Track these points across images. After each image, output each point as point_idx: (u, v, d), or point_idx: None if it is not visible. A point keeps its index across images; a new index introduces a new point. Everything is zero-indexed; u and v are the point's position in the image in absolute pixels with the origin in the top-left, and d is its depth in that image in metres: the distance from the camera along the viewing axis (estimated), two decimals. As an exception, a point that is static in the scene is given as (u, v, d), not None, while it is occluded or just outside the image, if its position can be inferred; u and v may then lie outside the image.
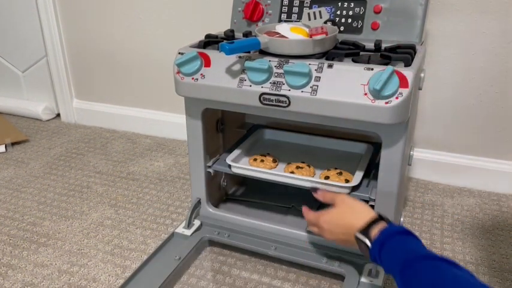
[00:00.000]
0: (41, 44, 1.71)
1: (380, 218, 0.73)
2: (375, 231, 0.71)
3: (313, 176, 0.96)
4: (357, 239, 0.73)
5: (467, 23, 1.15)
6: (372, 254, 0.70)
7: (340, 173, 0.94)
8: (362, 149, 1.07)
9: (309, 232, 0.95)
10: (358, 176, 0.92)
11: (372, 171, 0.97)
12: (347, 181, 0.92)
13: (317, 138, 1.11)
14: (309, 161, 1.01)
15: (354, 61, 0.82)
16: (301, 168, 0.96)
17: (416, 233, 1.09)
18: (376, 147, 1.07)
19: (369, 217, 0.73)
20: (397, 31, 0.94)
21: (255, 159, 1.00)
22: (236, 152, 1.02)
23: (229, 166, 0.98)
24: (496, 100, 1.20)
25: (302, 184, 0.92)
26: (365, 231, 0.72)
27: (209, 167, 1.01)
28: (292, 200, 1.11)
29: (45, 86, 1.79)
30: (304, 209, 0.87)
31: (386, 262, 0.67)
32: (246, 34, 1.00)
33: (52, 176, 1.38)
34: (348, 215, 0.76)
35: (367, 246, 0.71)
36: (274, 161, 1.00)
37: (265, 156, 1.01)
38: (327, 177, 0.93)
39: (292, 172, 0.95)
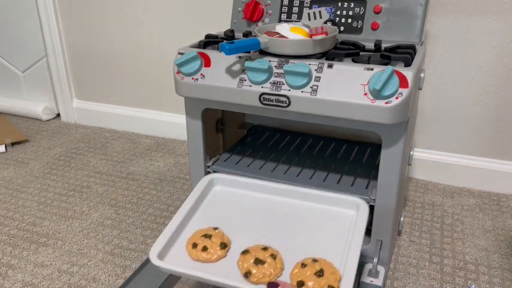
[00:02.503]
0: (41, 44, 1.71)
1: None
2: None
3: (279, 275, 0.65)
4: None
5: (467, 23, 1.15)
6: None
7: (321, 273, 0.64)
8: (353, 206, 0.79)
9: None
10: (348, 279, 0.62)
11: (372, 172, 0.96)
12: None
13: (289, 188, 0.83)
14: (275, 233, 0.73)
15: (354, 61, 0.82)
16: (262, 263, 0.65)
17: (416, 233, 1.10)
18: (371, 148, 1.06)
19: None
20: (397, 31, 0.94)
21: (195, 245, 0.69)
22: (168, 233, 0.71)
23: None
24: (496, 100, 1.20)
25: None
26: None
27: (209, 167, 1.01)
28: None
29: (45, 86, 1.79)
30: None
31: None
32: (246, 34, 1.00)
33: (52, 176, 1.38)
34: None
35: None
36: (223, 245, 0.68)
37: (209, 237, 0.69)
38: (300, 284, 0.63)
39: (247, 272, 0.64)
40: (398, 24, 0.94)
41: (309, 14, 0.88)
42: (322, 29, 0.85)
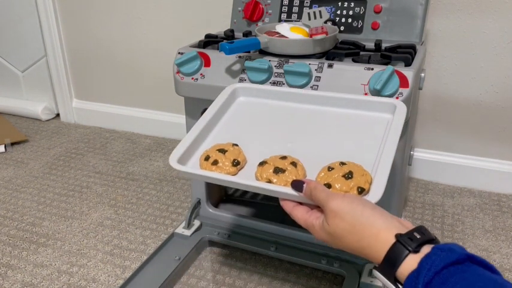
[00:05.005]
0: (41, 44, 1.70)
1: (404, 241, 0.44)
2: (403, 272, 0.43)
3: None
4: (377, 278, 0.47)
5: (467, 23, 1.15)
6: None
7: (349, 175, 0.58)
8: (389, 109, 0.71)
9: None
10: (381, 181, 0.57)
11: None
12: (361, 191, 0.57)
13: (317, 95, 0.76)
14: (301, 142, 0.68)
15: (354, 61, 0.82)
16: (283, 171, 0.60)
17: (417, 233, 1.09)
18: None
19: (386, 244, 0.45)
20: (397, 31, 0.94)
21: (207, 157, 0.65)
22: (188, 140, 0.68)
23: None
24: (496, 100, 1.19)
25: (281, 197, 0.59)
26: (386, 269, 0.45)
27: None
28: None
29: (45, 86, 1.79)
30: (286, 206, 0.58)
31: None
32: (246, 34, 1.00)
33: (52, 176, 1.38)
34: (352, 240, 0.48)
35: None
36: (236, 162, 0.64)
37: (224, 151, 0.65)
38: (327, 185, 0.57)
39: (268, 182, 0.60)
40: (399, 24, 0.94)
41: (309, 13, 0.87)
42: (322, 28, 0.85)
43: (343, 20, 0.98)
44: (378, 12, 0.96)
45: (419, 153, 1.32)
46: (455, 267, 0.40)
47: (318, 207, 0.54)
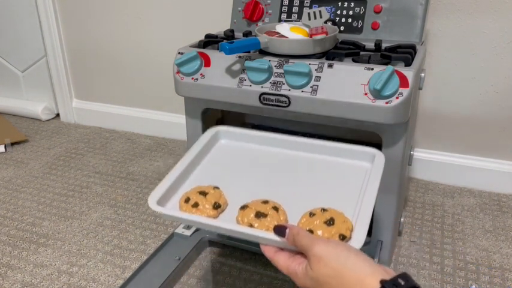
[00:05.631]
0: (41, 44, 1.70)
1: (394, 281, 0.45)
2: None
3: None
4: None
5: (468, 23, 1.15)
6: None
7: (331, 221, 0.58)
8: (367, 157, 0.73)
9: None
10: (362, 228, 0.57)
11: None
12: (343, 238, 0.56)
13: (299, 140, 0.78)
14: (282, 187, 0.68)
15: (354, 61, 0.82)
16: (264, 216, 0.59)
17: (417, 234, 1.10)
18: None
19: (375, 285, 0.45)
20: (397, 31, 0.94)
21: (187, 199, 0.64)
22: (168, 181, 0.67)
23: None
24: (496, 100, 1.19)
25: (263, 242, 0.57)
26: None
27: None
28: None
29: (45, 86, 1.79)
30: (267, 252, 0.55)
31: None
32: (246, 34, 1.00)
33: (51, 176, 1.38)
34: (337, 284, 0.47)
35: None
36: (217, 205, 0.63)
37: (205, 194, 0.64)
38: (309, 231, 0.57)
39: (250, 225, 0.59)
40: (399, 24, 0.94)
41: (309, 13, 0.87)
42: (322, 28, 0.85)
43: (343, 20, 0.98)
44: (377, 12, 0.96)
45: (419, 153, 1.32)
46: None
47: (299, 253, 0.53)
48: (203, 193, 0.64)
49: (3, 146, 1.56)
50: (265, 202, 0.62)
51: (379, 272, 0.46)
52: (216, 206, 0.63)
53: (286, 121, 0.89)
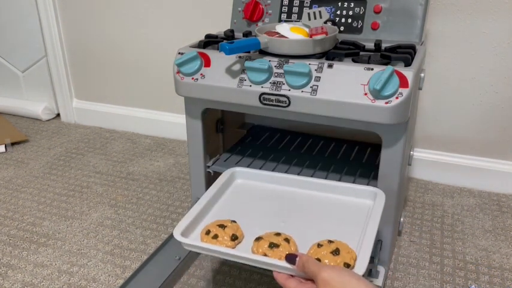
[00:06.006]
0: (41, 44, 1.71)
1: None
2: None
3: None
4: None
5: (468, 23, 1.15)
6: None
7: (337, 252, 0.65)
8: (370, 196, 0.80)
9: None
10: (364, 258, 0.64)
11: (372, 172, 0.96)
12: (347, 266, 0.63)
13: (308, 180, 0.86)
14: (293, 221, 0.76)
15: (354, 61, 0.82)
16: (277, 246, 0.66)
17: (417, 233, 1.10)
18: (371, 148, 1.07)
19: None
20: (397, 31, 0.94)
21: (208, 232, 0.71)
22: (190, 216, 0.74)
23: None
24: (496, 100, 1.20)
25: (276, 270, 0.64)
26: None
27: (209, 167, 1.01)
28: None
29: (45, 86, 1.79)
30: (279, 278, 0.63)
31: None
32: (246, 34, 1.00)
33: (52, 176, 1.38)
34: None
35: None
36: (234, 237, 0.70)
37: (224, 227, 0.71)
38: (317, 260, 0.63)
39: (264, 255, 0.66)
40: (399, 24, 0.94)
41: (309, 13, 0.87)
42: (322, 28, 0.85)
43: (343, 20, 0.98)
44: (377, 12, 0.96)
45: (419, 153, 1.32)
46: None
47: (308, 279, 0.60)
48: (222, 226, 0.71)
49: (3, 146, 1.56)
50: (278, 234, 0.69)
51: None
52: (234, 238, 0.70)
53: (290, 121, 0.90)
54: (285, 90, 0.81)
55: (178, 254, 0.96)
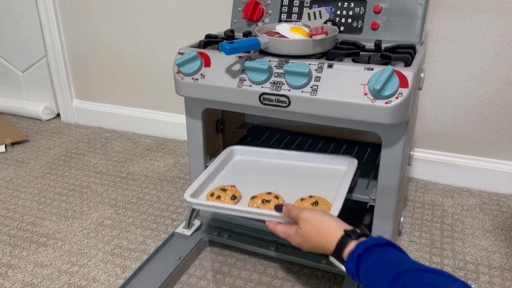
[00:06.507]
0: (41, 44, 1.71)
1: (348, 235, 0.66)
2: (346, 252, 0.64)
3: None
4: (332, 262, 0.68)
5: (467, 23, 1.15)
6: (351, 277, 0.64)
7: (316, 203, 0.79)
8: (344, 164, 0.94)
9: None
10: (337, 205, 0.78)
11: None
12: None
13: (294, 153, 0.99)
14: (283, 184, 0.89)
15: (354, 61, 0.82)
16: (268, 202, 0.81)
17: (416, 233, 1.10)
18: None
19: (337, 237, 0.66)
20: (397, 31, 0.94)
21: (212, 194, 0.85)
22: (198, 182, 0.88)
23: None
24: (496, 100, 1.20)
25: (267, 219, 0.78)
26: (337, 254, 0.66)
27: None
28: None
29: (45, 86, 1.79)
30: (270, 225, 0.77)
31: (369, 285, 0.60)
32: (246, 34, 1.00)
33: (52, 176, 1.38)
34: (316, 237, 0.68)
35: (344, 270, 0.66)
36: (234, 197, 0.84)
37: (225, 190, 0.85)
38: None
39: (258, 208, 0.81)
40: (399, 24, 0.94)
41: (309, 14, 0.88)
42: (322, 29, 0.85)
43: (343, 20, 0.98)
44: (377, 12, 0.96)
45: (419, 153, 1.32)
46: (379, 248, 0.62)
47: (293, 223, 0.74)
48: (223, 189, 0.86)
49: (3, 146, 1.56)
50: (269, 193, 0.84)
51: (344, 226, 0.68)
52: (233, 198, 0.84)
53: (290, 121, 0.91)
54: (285, 90, 0.81)
55: (178, 253, 0.96)
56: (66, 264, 1.00)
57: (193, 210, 1.03)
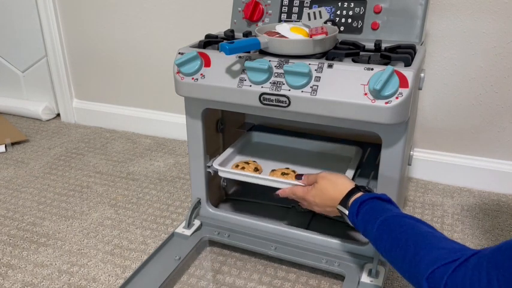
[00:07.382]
0: (41, 44, 1.71)
1: (358, 188, 0.79)
2: (351, 200, 0.77)
3: None
4: (338, 210, 0.79)
5: (467, 23, 1.15)
6: (351, 221, 0.77)
7: None
8: (352, 151, 1.06)
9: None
10: (350, 172, 0.93)
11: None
12: None
13: (306, 140, 1.11)
14: (297, 164, 1.01)
15: (354, 61, 0.82)
16: (286, 174, 0.95)
17: (416, 233, 1.10)
18: (366, 148, 1.07)
19: (348, 189, 0.79)
20: (397, 31, 0.94)
21: (237, 166, 0.98)
22: (224, 156, 1.02)
23: (217, 171, 0.98)
24: (496, 100, 1.20)
25: (288, 186, 0.90)
26: (344, 202, 0.78)
27: (209, 167, 1.01)
28: (292, 201, 1.11)
29: (45, 86, 1.79)
30: (289, 189, 0.90)
31: (362, 226, 0.74)
32: (246, 34, 1.00)
33: (52, 176, 1.38)
34: (330, 189, 0.82)
35: (346, 214, 0.78)
36: (256, 169, 0.98)
37: (248, 163, 0.99)
38: None
39: None
40: (399, 24, 0.94)
41: (309, 14, 0.88)
42: (322, 29, 0.85)
43: (343, 20, 0.98)
44: (377, 12, 0.96)
45: (419, 153, 1.32)
46: (380, 200, 0.75)
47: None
48: (247, 163, 0.99)
49: (3, 146, 1.56)
50: (287, 168, 0.98)
51: (355, 184, 0.81)
52: (255, 169, 0.98)
53: (290, 121, 0.92)
54: (285, 90, 0.81)
55: (178, 253, 0.96)
56: (66, 264, 1.00)
57: (194, 210, 1.03)
